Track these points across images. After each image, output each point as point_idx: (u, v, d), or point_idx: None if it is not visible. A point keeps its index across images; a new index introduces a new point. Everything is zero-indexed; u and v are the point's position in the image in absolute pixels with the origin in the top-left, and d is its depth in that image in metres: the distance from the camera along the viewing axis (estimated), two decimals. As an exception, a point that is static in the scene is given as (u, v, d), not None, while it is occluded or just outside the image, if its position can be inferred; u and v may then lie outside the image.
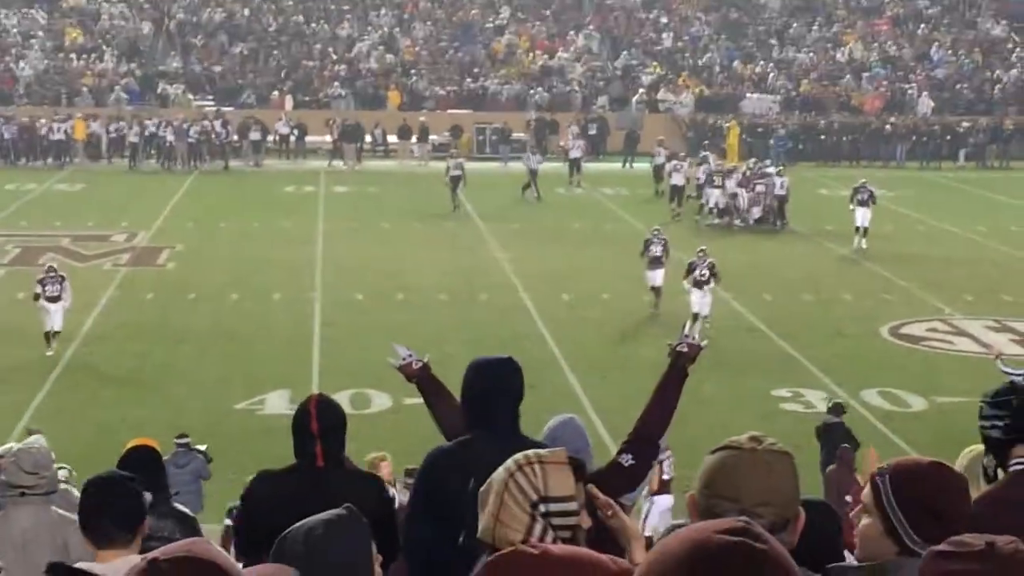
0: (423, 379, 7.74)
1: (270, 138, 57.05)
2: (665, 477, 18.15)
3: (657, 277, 31.66)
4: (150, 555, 3.07)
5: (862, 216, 39.00)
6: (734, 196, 43.57)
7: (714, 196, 43.92)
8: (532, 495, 3.86)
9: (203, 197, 47.76)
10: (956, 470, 3.94)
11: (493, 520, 3.84)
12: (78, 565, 4.59)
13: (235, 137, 56.28)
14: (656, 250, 31.80)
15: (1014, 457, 4.93)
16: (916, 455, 4.05)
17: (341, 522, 4.25)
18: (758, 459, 3.48)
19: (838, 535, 5.79)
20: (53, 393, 25.39)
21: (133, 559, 4.90)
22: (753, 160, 48.30)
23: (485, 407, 6.57)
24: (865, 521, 3.91)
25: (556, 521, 3.85)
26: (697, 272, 29.84)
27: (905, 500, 3.83)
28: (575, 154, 52.57)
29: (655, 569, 2.78)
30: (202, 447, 18.22)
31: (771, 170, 44.87)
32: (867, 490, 3.93)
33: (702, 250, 30.37)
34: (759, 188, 43.56)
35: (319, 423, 6.81)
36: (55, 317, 27.45)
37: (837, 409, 21.17)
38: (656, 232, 32.49)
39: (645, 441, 7.12)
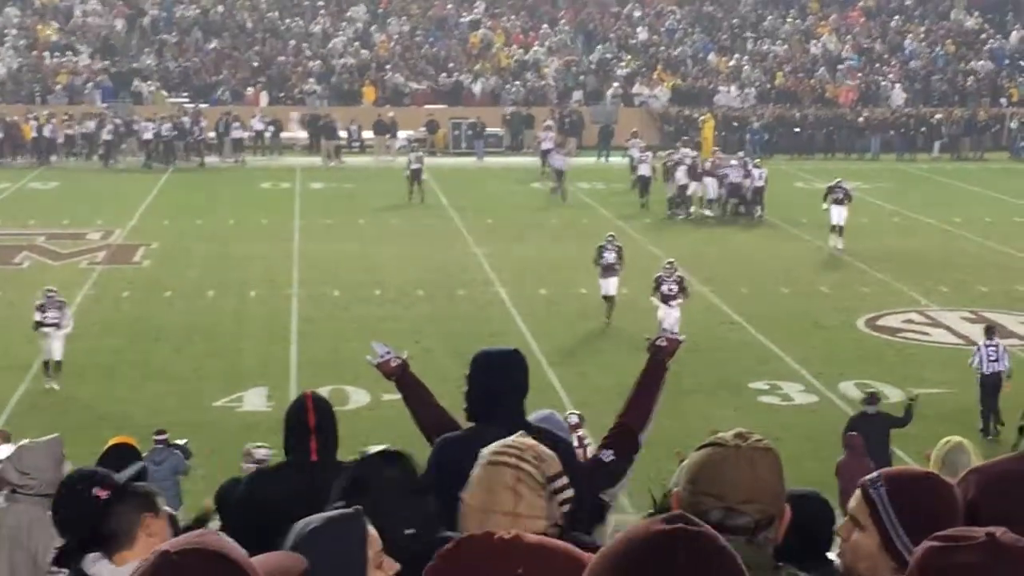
0: (402, 377, 7.71)
1: (245, 135, 56.94)
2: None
3: (610, 286, 30.37)
4: (161, 547, 3.08)
5: (837, 214, 38.19)
6: (684, 187, 43.73)
7: (711, 186, 44.29)
8: (541, 479, 3.87)
9: (178, 195, 47.64)
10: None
11: (511, 518, 3.80)
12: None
13: (211, 134, 56.17)
14: (609, 257, 30.55)
15: None
16: (903, 465, 3.98)
17: (342, 520, 4.25)
18: (742, 456, 3.46)
19: (831, 526, 5.79)
20: (30, 391, 25.32)
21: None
22: (714, 150, 48.69)
23: (493, 400, 6.53)
24: (857, 535, 3.70)
25: (560, 498, 3.88)
26: (665, 287, 28.54)
27: (905, 513, 3.64)
28: (547, 146, 52.77)
29: (598, 566, 2.80)
30: (182, 442, 18.17)
31: (734, 161, 45.09)
32: (858, 502, 3.71)
33: (670, 263, 29.13)
34: (731, 178, 43.81)
35: (316, 417, 6.83)
36: (54, 346, 25.62)
37: (870, 399, 21.01)
38: (610, 239, 31.15)
39: (626, 437, 7.11)
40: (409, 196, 45.98)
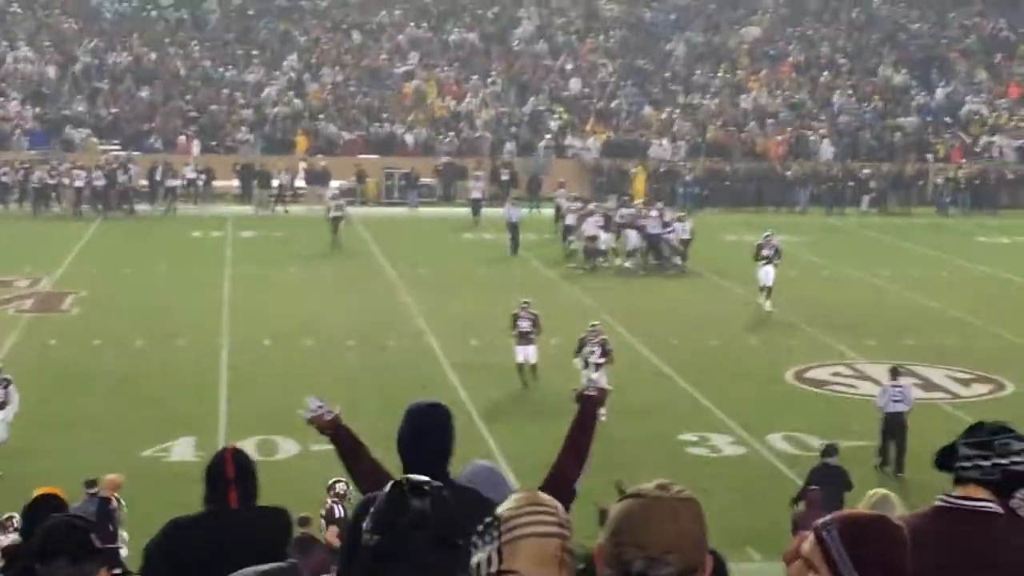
0: (336, 431, 7.71)
1: (178, 183, 56.78)
2: None
3: (528, 353, 29.32)
4: None
5: (765, 275, 37.36)
6: (593, 239, 44.09)
7: (632, 237, 44.64)
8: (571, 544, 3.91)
9: (108, 243, 47.40)
10: (898, 522, 3.90)
11: None
12: None
13: (143, 182, 55.94)
14: (524, 325, 29.45)
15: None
16: (854, 508, 4.02)
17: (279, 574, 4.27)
18: (665, 507, 3.50)
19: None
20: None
21: None
22: (615, 198, 49.46)
23: (413, 454, 6.57)
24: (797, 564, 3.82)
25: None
26: (586, 349, 27.47)
27: (858, 556, 3.73)
28: (475, 194, 53.25)
29: None
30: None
31: (653, 213, 45.53)
32: (811, 545, 3.80)
33: (594, 326, 28.05)
34: (649, 229, 44.38)
35: (235, 469, 6.91)
36: None
37: (831, 451, 21.10)
38: (524, 306, 29.98)
39: (561, 485, 7.16)
40: (333, 244, 46.46)
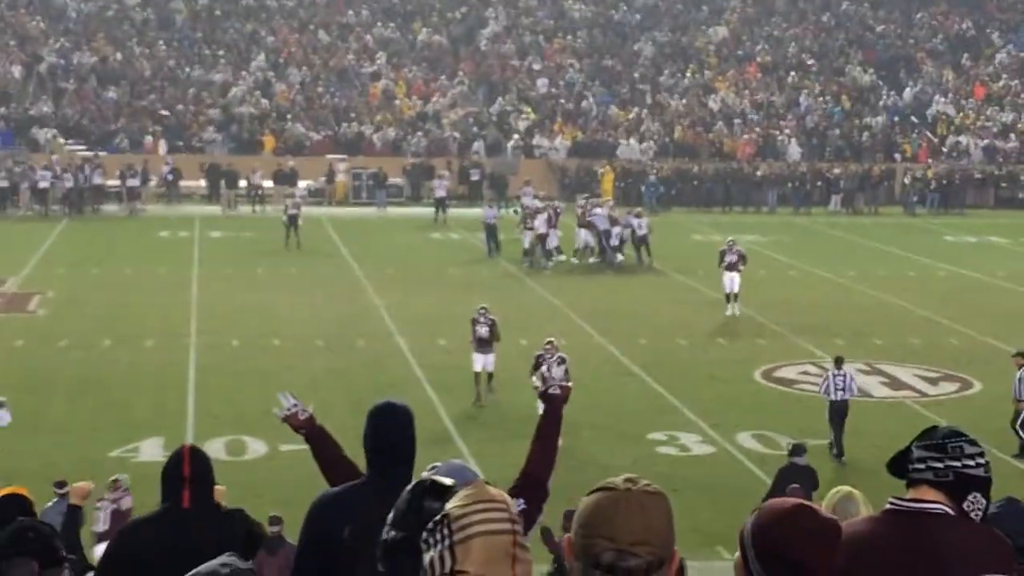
0: (310, 430, 7.68)
1: (152, 183, 56.68)
2: None
3: (488, 362, 28.20)
4: None
5: (730, 282, 36.69)
6: (543, 237, 44.34)
7: (583, 236, 45.11)
8: (524, 539, 3.88)
9: (75, 243, 47.22)
10: (824, 514, 3.89)
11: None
12: None
13: (114, 182, 55.71)
14: (482, 331, 28.29)
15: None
16: (784, 498, 4.00)
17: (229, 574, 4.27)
18: (633, 499, 3.52)
19: None
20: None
21: None
22: (584, 198, 49.44)
23: (376, 454, 6.57)
24: (737, 558, 3.85)
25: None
26: (545, 368, 24.94)
27: (763, 548, 3.75)
28: (440, 193, 53.38)
29: None
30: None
31: (599, 210, 45.75)
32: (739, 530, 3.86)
33: (550, 342, 26.23)
34: (599, 227, 44.90)
35: (191, 468, 6.88)
36: None
37: (798, 450, 21.22)
38: (482, 311, 28.68)
39: (533, 484, 7.17)
40: (286, 242, 46.42)
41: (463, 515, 3.82)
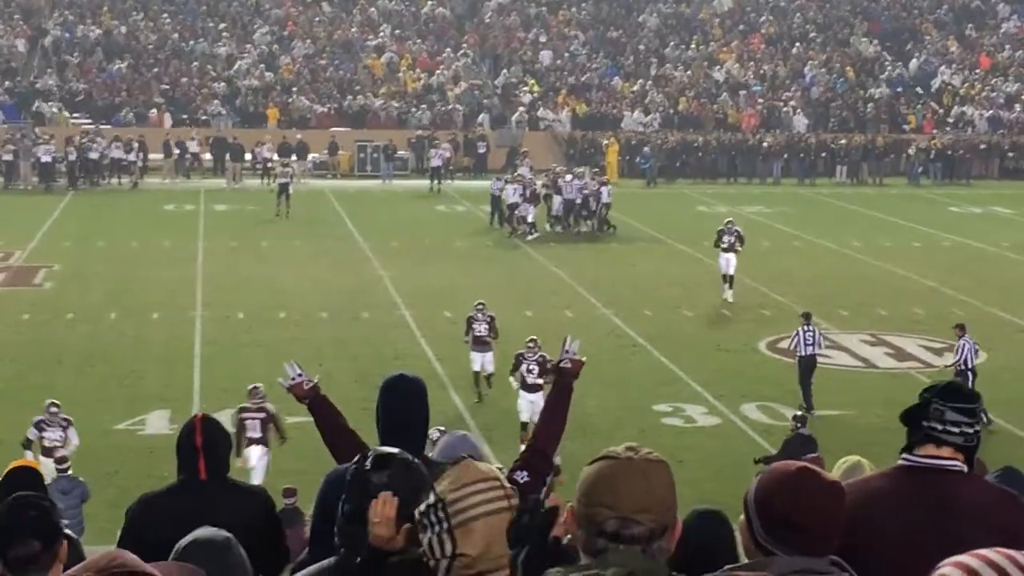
0: (314, 400, 7.69)
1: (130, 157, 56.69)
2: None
3: (485, 361, 26.63)
4: (79, 567, 3.15)
5: (726, 263, 35.18)
6: (513, 206, 44.73)
7: (558, 203, 45.63)
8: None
9: (81, 216, 47.25)
10: (826, 477, 3.94)
11: (503, 558, 3.84)
12: None
13: (124, 155, 55.66)
14: (480, 329, 26.81)
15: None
16: (788, 461, 4.05)
17: (212, 545, 4.37)
18: (635, 467, 3.57)
19: (728, 542, 5.90)
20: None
21: None
22: (557, 167, 49.86)
23: (389, 426, 6.60)
24: (742, 520, 3.94)
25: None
26: (525, 368, 24.15)
27: (766, 511, 3.84)
28: (436, 163, 53.69)
29: None
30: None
31: (568, 177, 46.32)
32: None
33: (532, 340, 24.48)
34: (565, 195, 45.50)
35: (203, 437, 6.87)
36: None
37: (804, 420, 21.60)
38: (480, 307, 27.14)
39: (539, 458, 7.21)
40: (276, 211, 46.97)
41: (459, 498, 3.84)
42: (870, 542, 4.59)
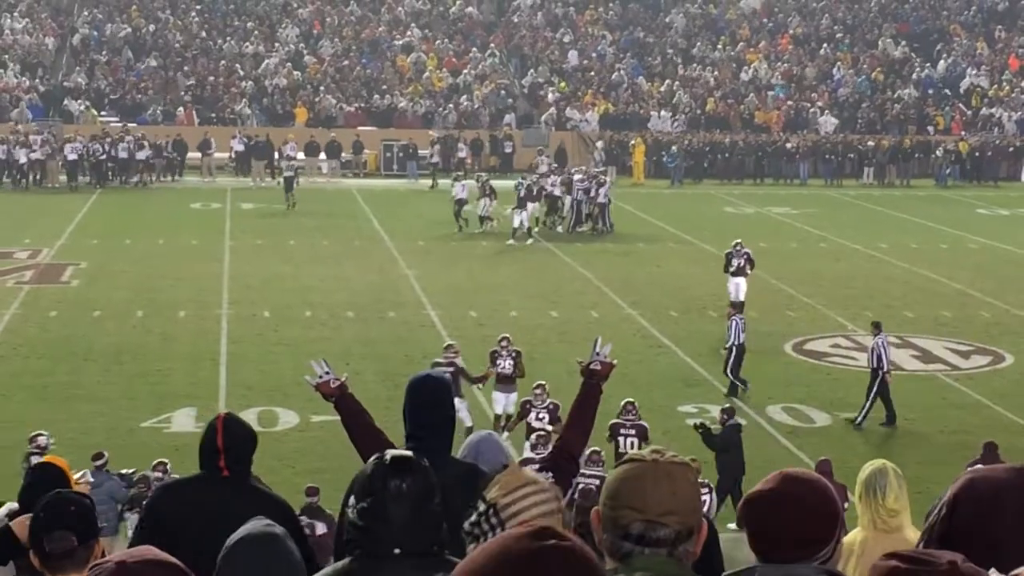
0: (341, 398, 7.64)
1: (221, 154, 56.89)
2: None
3: (509, 402, 24.08)
4: (115, 557, 3.21)
5: (736, 288, 32.33)
6: (461, 203, 45.21)
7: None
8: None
9: (108, 214, 47.40)
10: (815, 487, 3.88)
11: None
12: None
13: (155, 154, 55.80)
14: (505, 366, 24.08)
15: None
16: (792, 468, 4.03)
17: (261, 540, 4.37)
18: (660, 470, 3.57)
19: (714, 546, 5.90)
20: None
21: None
22: (573, 169, 50.31)
23: (415, 425, 6.61)
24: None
25: None
26: (534, 415, 21.95)
27: (743, 516, 3.85)
28: (435, 159, 55.84)
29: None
30: (127, 471, 18.24)
31: (578, 177, 46.70)
32: None
33: (540, 386, 22.44)
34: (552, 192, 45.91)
35: (224, 439, 6.86)
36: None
37: (732, 412, 22.06)
38: (504, 343, 24.27)
39: (566, 459, 7.20)
40: (286, 205, 48.22)
41: (511, 502, 3.86)
42: (991, 530, 4.56)
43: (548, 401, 21.97)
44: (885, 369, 25.14)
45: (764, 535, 3.79)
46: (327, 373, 7.74)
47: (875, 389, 25.07)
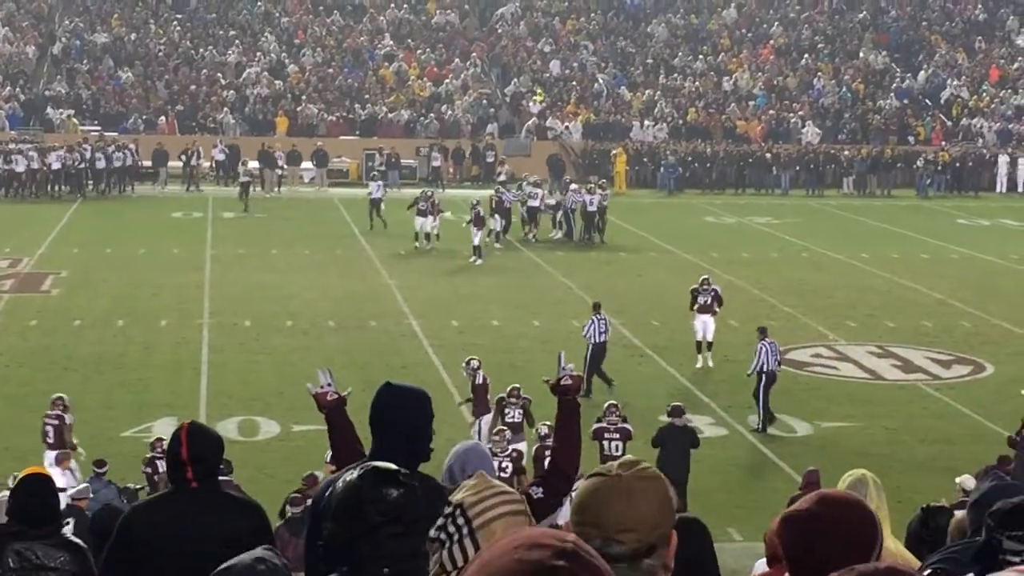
0: (333, 412, 7.54)
1: (205, 163, 56.80)
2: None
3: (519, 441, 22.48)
4: None
5: (703, 327, 30.30)
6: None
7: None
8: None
9: (88, 223, 47.28)
10: (820, 514, 3.94)
11: None
12: None
13: (147, 162, 55.69)
14: (515, 415, 22.73)
15: None
16: (809, 493, 4.04)
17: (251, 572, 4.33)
18: (621, 486, 3.53)
19: (708, 551, 5.89)
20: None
21: None
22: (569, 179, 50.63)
23: (376, 434, 6.47)
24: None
25: None
26: (507, 411, 22.47)
27: (792, 548, 3.92)
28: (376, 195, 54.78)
29: None
30: (136, 485, 18.32)
31: (574, 187, 47.12)
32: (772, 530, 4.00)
33: (514, 389, 22.91)
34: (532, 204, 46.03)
35: (189, 450, 6.80)
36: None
37: (678, 411, 22.01)
38: (515, 392, 22.99)
39: (559, 478, 7.17)
40: (244, 207, 49.81)
41: (478, 501, 3.84)
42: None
43: (523, 401, 22.47)
44: (765, 370, 25.57)
45: (800, 560, 3.81)
46: (329, 385, 7.68)
47: (761, 392, 25.43)
